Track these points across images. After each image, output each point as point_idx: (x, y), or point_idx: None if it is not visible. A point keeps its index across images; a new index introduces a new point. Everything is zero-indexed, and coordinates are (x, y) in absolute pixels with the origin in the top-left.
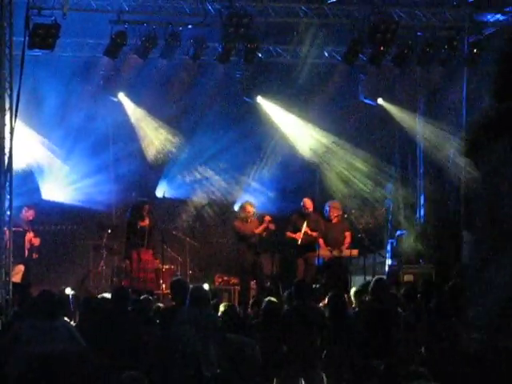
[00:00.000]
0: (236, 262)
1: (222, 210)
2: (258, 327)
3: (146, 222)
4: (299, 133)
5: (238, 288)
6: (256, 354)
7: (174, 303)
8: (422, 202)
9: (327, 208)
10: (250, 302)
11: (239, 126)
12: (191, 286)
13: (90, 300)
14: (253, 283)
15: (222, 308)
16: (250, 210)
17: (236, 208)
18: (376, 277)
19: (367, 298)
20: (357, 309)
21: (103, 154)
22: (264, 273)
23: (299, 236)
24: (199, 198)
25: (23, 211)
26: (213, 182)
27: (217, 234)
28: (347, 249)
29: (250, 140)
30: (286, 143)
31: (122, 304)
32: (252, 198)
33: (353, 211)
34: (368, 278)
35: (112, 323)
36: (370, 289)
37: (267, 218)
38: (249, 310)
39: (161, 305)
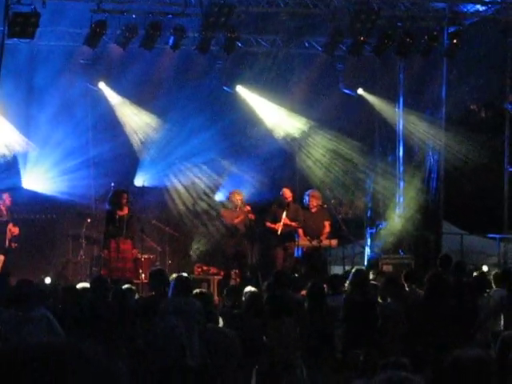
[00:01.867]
0: (217, 251)
1: (202, 199)
2: (238, 317)
3: (125, 211)
4: (279, 121)
5: (217, 278)
6: (236, 345)
7: (153, 293)
8: (401, 192)
9: (306, 197)
10: (225, 290)
11: (219, 115)
12: (174, 275)
13: (68, 289)
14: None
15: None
16: (238, 198)
17: (217, 197)
18: (355, 267)
19: (346, 289)
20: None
21: (82, 143)
22: (246, 263)
23: (279, 226)
24: (179, 187)
25: (2, 198)
26: (193, 170)
27: (197, 223)
28: (326, 239)
29: (230, 129)
30: (265, 132)
31: (101, 293)
32: (232, 187)
33: (332, 201)
34: (347, 267)
35: (91, 313)
36: (349, 280)
37: (247, 207)
38: (223, 297)
39: (140, 295)
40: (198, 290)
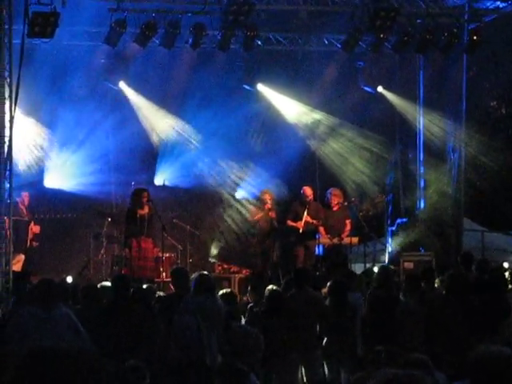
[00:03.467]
0: (241, 249)
1: (223, 197)
2: (260, 316)
3: (146, 210)
4: (299, 118)
5: (238, 276)
6: (259, 343)
7: (174, 291)
8: (422, 189)
9: (328, 195)
10: (249, 287)
11: (240, 113)
12: (195, 273)
13: (89, 288)
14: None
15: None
16: (268, 197)
17: (237, 195)
18: (381, 265)
19: (371, 286)
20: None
21: (103, 143)
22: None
23: (300, 225)
24: (199, 185)
25: (21, 196)
26: (213, 169)
27: (218, 222)
28: (347, 236)
29: (251, 127)
30: (286, 129)
31: (123, 293)
32: (253, 185)
33: (353, 199)
34: (368, 265)
35: (112, 312)
36: (375, 276)
37: (267, 206)
38: (247, 296)
39: (161, 293)
40: (224, 291)
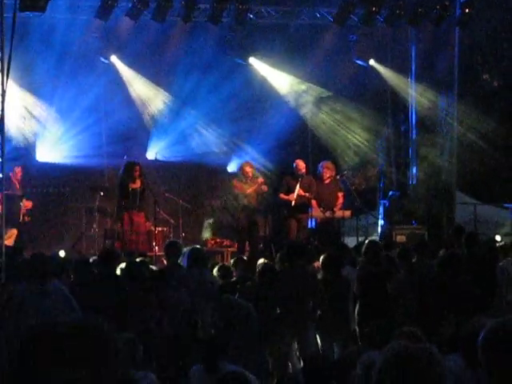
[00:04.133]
0: (230, 223)
1: (215, 171)
2: (252, 289)
3: (138, 183)
4: (292, 92)
5: (230, 250)
6: (252, 317)
7: (167, 264)
8: (414, 162)
9: (320, 169)
10: (232, 261)
11: (232, 86)
12: (188, 247)
13: (82, 263)
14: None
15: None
16: (249, 170)
17: (230, 169)
18: (369, 238)
19: (361, 260)
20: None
21: (95, 116)
22: (258, 234)
23: (293, 198)
24: (191, 159)
25: (13, 170)
26: (205, 142)
27: (210, 195)
28: (340, 210)
29: (243, 101)
30: (278, 103)
31: (109, 266)
32: (245, 159)
33: (345, 172)
34: (361, 238)
35: (98, 285)
36: (363, 250)
37: (260, 179)
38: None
39: (154, 267)
40: (220, 264)
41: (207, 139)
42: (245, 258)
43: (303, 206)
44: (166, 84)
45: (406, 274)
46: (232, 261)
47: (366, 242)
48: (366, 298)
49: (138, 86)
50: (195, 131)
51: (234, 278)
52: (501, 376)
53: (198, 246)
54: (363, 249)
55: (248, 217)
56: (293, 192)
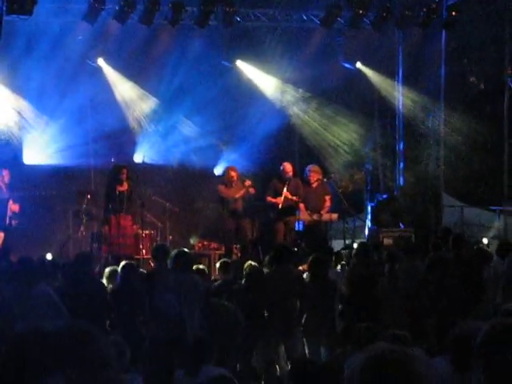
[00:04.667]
0: (217, 226)
1: (202, 174)
2: (239, 292)
3: (125, 186)
4: (278, 95)
5: (218, 253)
6: (239, 320)
7: (154, 268)
8: (401, 165)
9: (307, 172)
10: (218, 264)
11: (218, 90)
12: (175, 250)
13: (67, 265)
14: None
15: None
16: (233, 174)
17: (216, 172)
18: (359, 241)
19: (351, 262)
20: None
21: (82, 119)
22: (246, 237)
23: (280, 201)
24: (178, 162)
25: (1, 173)
26: (192, 146)
27: (197, 198)
28: (327, 213)
29: (230, 103)
30: (265, 106)
31: (84, 269)
32: (232, 162)
33: (332, 175)
34: (348, 241)
35: (75, 288)
36: (353, 253)
37: (247, 182)
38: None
39: (142, 270)
40: (195, 267)
41: (194, 142)
42: (229, 261)
43: (290, 208)
44: (152, 87)
45: (391, 277)
46: (218, 264)
47: (357, 244)
48: (355, 300)
49: (125, 89)
50: (181, 134)
51: (220, 281)
52: (498, 379)
53: (184, 249)
54: (354, 251)
55: (235, 220)
56: (280, 195)
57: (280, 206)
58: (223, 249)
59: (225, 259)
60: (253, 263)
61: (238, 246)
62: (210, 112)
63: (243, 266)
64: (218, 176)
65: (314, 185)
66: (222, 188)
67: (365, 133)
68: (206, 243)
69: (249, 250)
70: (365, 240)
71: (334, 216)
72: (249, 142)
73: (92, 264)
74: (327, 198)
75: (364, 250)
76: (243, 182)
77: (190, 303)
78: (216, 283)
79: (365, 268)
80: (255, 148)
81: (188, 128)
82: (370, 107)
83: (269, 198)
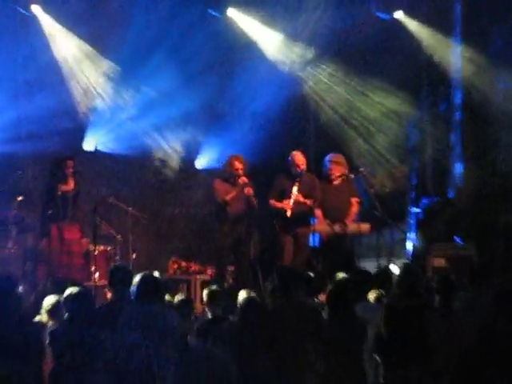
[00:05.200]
0: (204, 241)
1: (179, 167)
2: (232, 332)
3: (70, 185)
4: (284, 56)
5: (201, 278)
6: (231, 372)
7: (112, 299)
8: (459, 157)
9: (327, 164)
10: (205, 293)
11: (203, 47)
12: (140, 274)
13: None
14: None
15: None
16: (239, 166)
17: (199, 164)
18: (400, 262)
19: (392, 292)
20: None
21: (10, 90)
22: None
23: (288, 205)
24: (145, 150)
25: None
26: (165, 128)
27: (171, 202)
28: (354, 222)
29: (217, 68)
30: (266, 71)
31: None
32: (219, 150)
33: (362, 169)
34: (383, 263)
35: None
36: (394, 280)
37: (242, 179)
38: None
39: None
40: (177, 297)
41: (167, 123)
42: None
43: (303, 216)
44: (109, 45)
45: (444, 312)
46: (205, 293)
47: (397, 265)
48: (394, 345)
49: (70, 48)
50: (150, 112)
51: (209, 317)
52: None
53: (152, 273)
54: (395, 276)
55: (235, 232)
56: (288, 197)
57: (288, 212)
58: (210, 272)
59: (214, 287)
60: (250, 293)
61: (232, 268)
62: (189, 81)
63: (237, 296)
64: (203, 170)
65: (337, 182)
66: (218, 185)
67: (407, 111)
68: (184, 264)
69: (246, 275)
70: (408, 260)
71: (365, 227)
72: (243, 123)
73: (15, 292)
74: (354, 201)
75: (407, 275)
76: (235, 177)
77: (162, 349)
78: (199, 321)
79: (408, 300)
80: (252, 131)
81: (159, 104)
82: (414, 75)
83: (272, 202)
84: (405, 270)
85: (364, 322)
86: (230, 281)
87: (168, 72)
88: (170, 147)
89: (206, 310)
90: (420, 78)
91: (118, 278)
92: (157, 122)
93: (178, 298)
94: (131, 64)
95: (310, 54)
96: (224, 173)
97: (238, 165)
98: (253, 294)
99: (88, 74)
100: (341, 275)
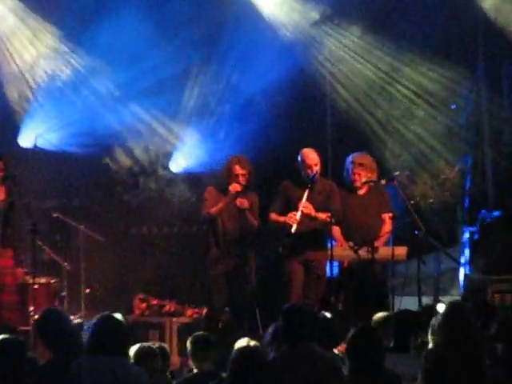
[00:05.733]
0: (182, 269)
1: (148, 170)
2: None
3: (1, 194)
4: (292, 19)
5: (177, 321)
6: None
7: (52, 354)
8: None
9: (349, 166)
10: (189, 342)
11: (183, 14)
12: (95, 317)
13: None
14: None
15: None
16: (240, 172)
17: (173, 167)
18: (449, 299)
19: (432, 340)
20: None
21: None
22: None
23: (293, 218)
24: (103, 148)
25: None
26: (129, 120)
27: (139, 217)
28: (385, 245)
29: (200, 42)
30: (267, 40)
31: None
32: (205, 149)
33: (396, 173)
34: (426, 299)
35: None
36: (437, 324)
37: (233, 186)
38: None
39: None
40: (147, 345)
41: (131, 114)
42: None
43: (316, 235)
44: (55, 12)
45: (509, 367)
46: (190, 342)
47: (444, 304)
48: None
49: (8, 21)
50: (106, 97)
51: (192, 373)
52: None
53: (113, 315)
54: (436, 320)
55: (224, 257)
56: (296, 209)
57: (294, 228)
58: (190, 313)
59: (203, 333)
60: (247, 340)
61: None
62: (164, 58)
63: (233, 345)
64: (178, 174)
65: (362, 191)
66: (209, 195)
67: (459, 95)
68: (155, 302)
69: (240, 316)
70: (459, 297)
71: (400, 251)
72: (236, 111)
73: None
74: (387, 216)
75: (458, 317)
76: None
77: None
78: (177, 378)
79: (458, 349)
80: (248, 122)
81: (118, 87)
82: (467, 46)
83: (273, 216)
84: (454, 309)
85: (397, 378)
86: (220, 325)
87: (130, 39)
88: (136, 141)
89: (191, 363)
90: (476, 50)
91: (55, 326)
92: (115, 110)
93: (146, 347)
94: (85, 36)
95: (328, 20)
96: (220, 179)
97: (238, 169)
98: (253, 343)
99: (26, 48)
100: (379, 315)
